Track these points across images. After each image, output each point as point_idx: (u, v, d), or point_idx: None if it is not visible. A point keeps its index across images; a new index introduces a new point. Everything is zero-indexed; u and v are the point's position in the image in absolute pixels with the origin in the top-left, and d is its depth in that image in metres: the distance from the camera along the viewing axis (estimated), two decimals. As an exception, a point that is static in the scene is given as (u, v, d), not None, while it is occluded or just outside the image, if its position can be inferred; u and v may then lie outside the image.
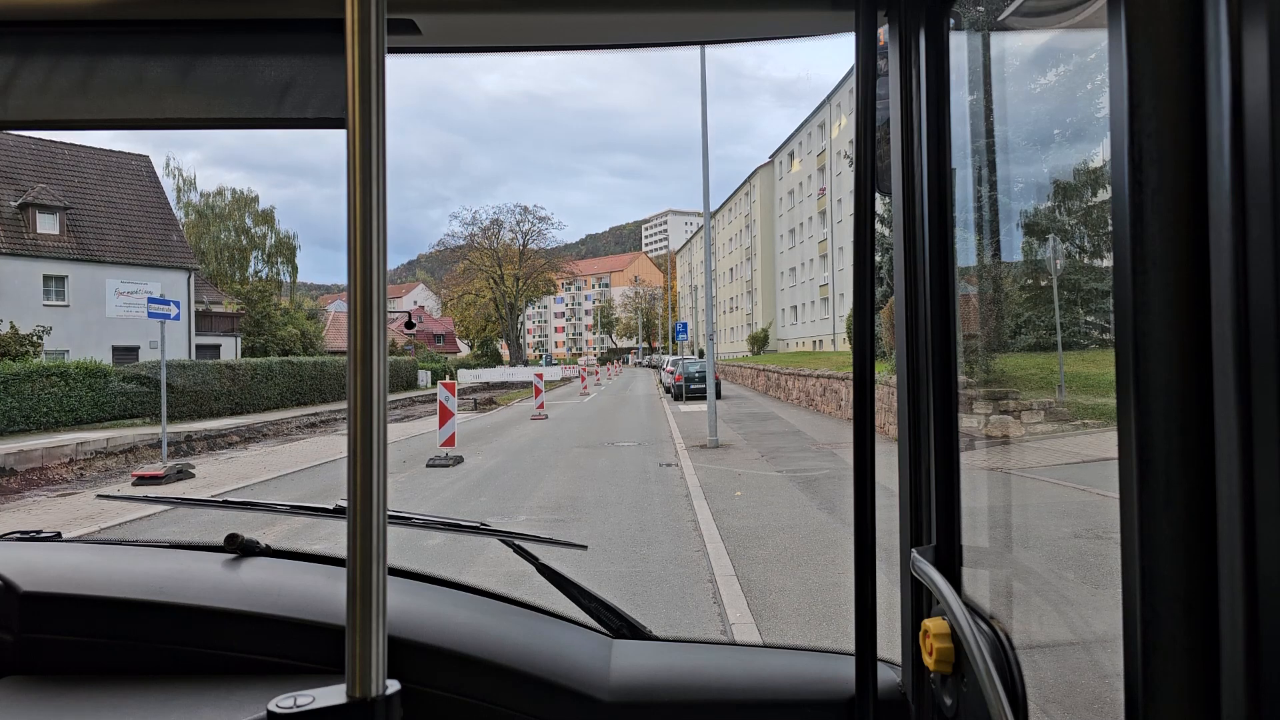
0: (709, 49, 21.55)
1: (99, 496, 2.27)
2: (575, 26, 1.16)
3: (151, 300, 14.93)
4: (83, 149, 33.95)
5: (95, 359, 24.03)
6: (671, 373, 32.94)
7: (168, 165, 62.10)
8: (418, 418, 23.84)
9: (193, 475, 11.96)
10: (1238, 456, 0.52)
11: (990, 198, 1.35)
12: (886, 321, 1.56)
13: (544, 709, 1.21)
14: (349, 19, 0.82)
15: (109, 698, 1.17)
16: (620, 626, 1.43)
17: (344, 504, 1.18)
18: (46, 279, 29.77)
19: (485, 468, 12.36)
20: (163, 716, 1.10)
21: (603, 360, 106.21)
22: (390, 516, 1.41)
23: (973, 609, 0.99)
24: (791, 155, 62.26)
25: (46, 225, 30.15)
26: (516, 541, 1.56)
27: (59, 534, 1.63)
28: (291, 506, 1.64)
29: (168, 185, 43.92)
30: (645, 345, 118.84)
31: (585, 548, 1.89)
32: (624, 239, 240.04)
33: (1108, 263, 0.84)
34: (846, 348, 35.03)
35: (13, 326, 23.45)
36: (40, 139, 32.43)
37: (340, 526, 1.42)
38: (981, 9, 1.16)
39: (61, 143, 33.20)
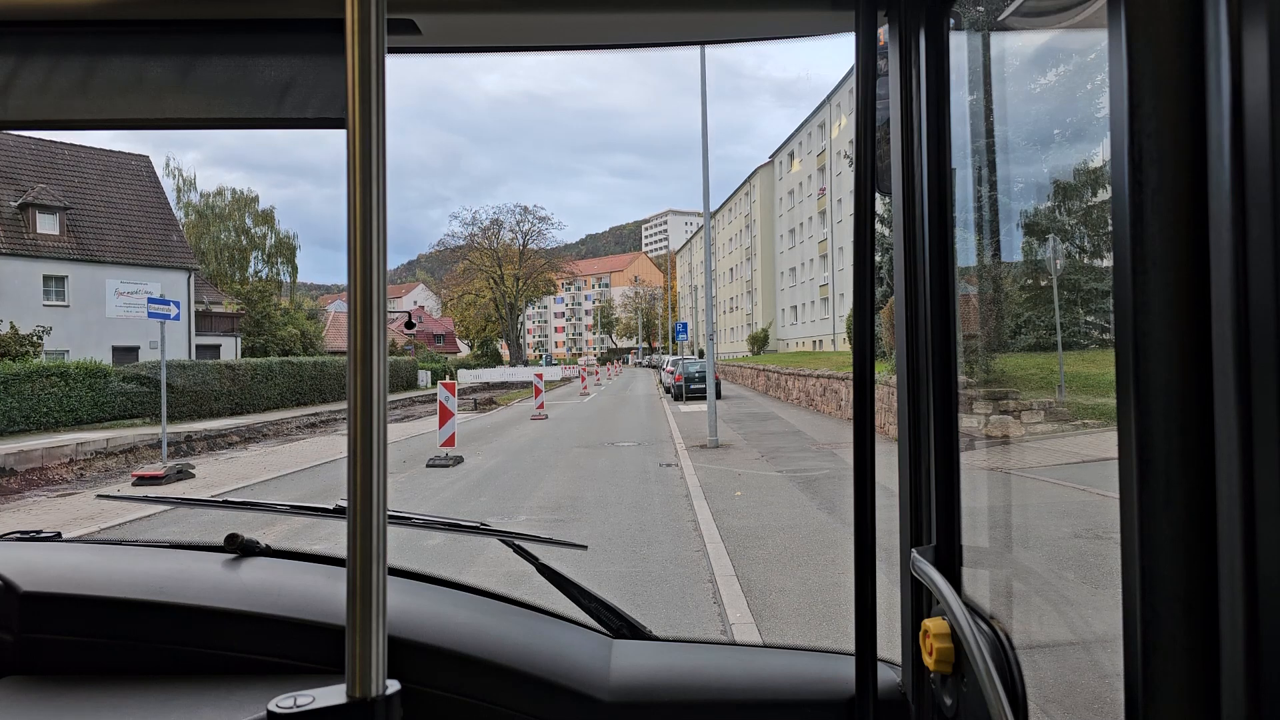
0: (709, 49, 21.55)
1: (99, 496, 2.27)
2: (575, 26, 1.16)
3: (151, 300, 14.93)
4: (83, 149, 33.96)
5: (95, 359, 24.03)
6: (671, 373, 32.94)
7: (168, 165, 62.18)
8: (418, 418, 23.84)
9: (193, 475, 11.96)
10: (1238, 456, 0.52)
11: (990, 198, 1.35)
12: (886, 321, 1.56)
13: (544, 709, 1.21)
14: (349, 19, 0.82)
15: (109, 698, 1.17)
16: (620, 626, 1.43)
17: (344, 504, 1.18)
18: (46, 279, 29.77)
19: (485, 468, 12.36)
20: (163, 716, 1.10)
21: (603, 360, 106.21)
22: (390, 516, 1.41)
23: (973, 609, 0.99)
24: (791, 155, 62.26)
25: (46, 225, 30.15)
26: (516, 541, 1.56)
27: (59, 534, 1.63)
28: (291, 506, 1.64)
29: (168, 185, 43.98)
30: (645, 345, 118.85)
31: (585, 548, 1.89)
32: (624, 239, 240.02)
33: (1108, 263, 0.84)
34: (846, 348, 35.03)
35: (13, 326, 23.46)
36: (40, 139, 32.43)
37: (340, 526, 1.42)
38: (981, 9, 1.16)
39: (61, 143, 33.21)
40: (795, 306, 60.68)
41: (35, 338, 23.73)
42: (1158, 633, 0.57)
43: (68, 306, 30.06)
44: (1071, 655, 1.20)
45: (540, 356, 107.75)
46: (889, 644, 1.12)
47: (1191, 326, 0.56)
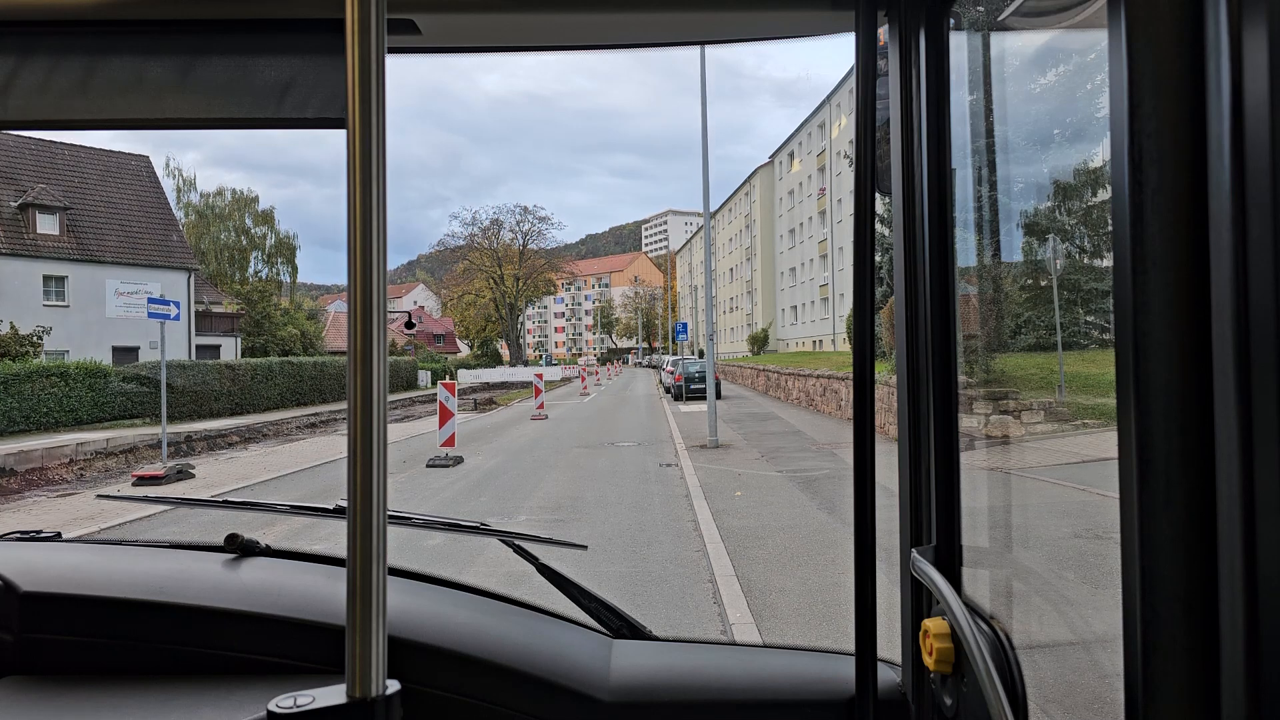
0: (709, 49, 21.54)
1: (99, 497, 2.26)
2: (575, 26, 1.16)
3: (151, 300, 14.93)
4: (83, 149, 33.96)
5: (95, 359, 24.04)
6: (671, 373, 32.94)
7: (168, 165, 62.16)
8: (418, 418, 23.84)
9: (193, 475, 11.96)
10: (1238, 456, 0.52)
11: (990, 198, 1.35)
12: (886, 321, 1.56)
13: (544, 709, 1.21)
14: (349, 19, 0.82)
15: (109, 698, 1.17)
16: (620, 626, 1.43)
17: (344, 504, 1.18)
18: (46, 279, 29.77)
19: (485, 468, 12.36)
20: (163, 716, 1.10)
21: (603, 360, 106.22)
22: (390, 516, 1.41)
23: (973, 609, 0.99)
24: (791, 155, 62.26)
25: (46, 225, 30.15)
26: (516, 541, 1.56)
27: (59, 534, 1.63)
28: (291, 506, 1.64)
29: (168, 185, 43.99)
30: (645, 345, 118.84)
31: (585, 548, 1.89)
32: (624, 239, 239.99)
33: (1108, 263, 0.84)
34: (846, 348, 35.02)
35: (13, 327, 23.46)
36: (40, 139, 32.43)
37: (340, 526, 1.42)
38: (981, 9, 1.16)
39: (61, 143, 33.21)
40: (795, 306, 60.68)
41: (35, 338, 23.73)
42: (1158, 633, 0.57)
43: (68, 307, 30.06)
44: (1071, 655, 1.19)
45: (540, 356, 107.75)
46: (889, 644, 1.11)
47: (1191, 326, 0.56)
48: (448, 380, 14.82)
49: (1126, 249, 0.58)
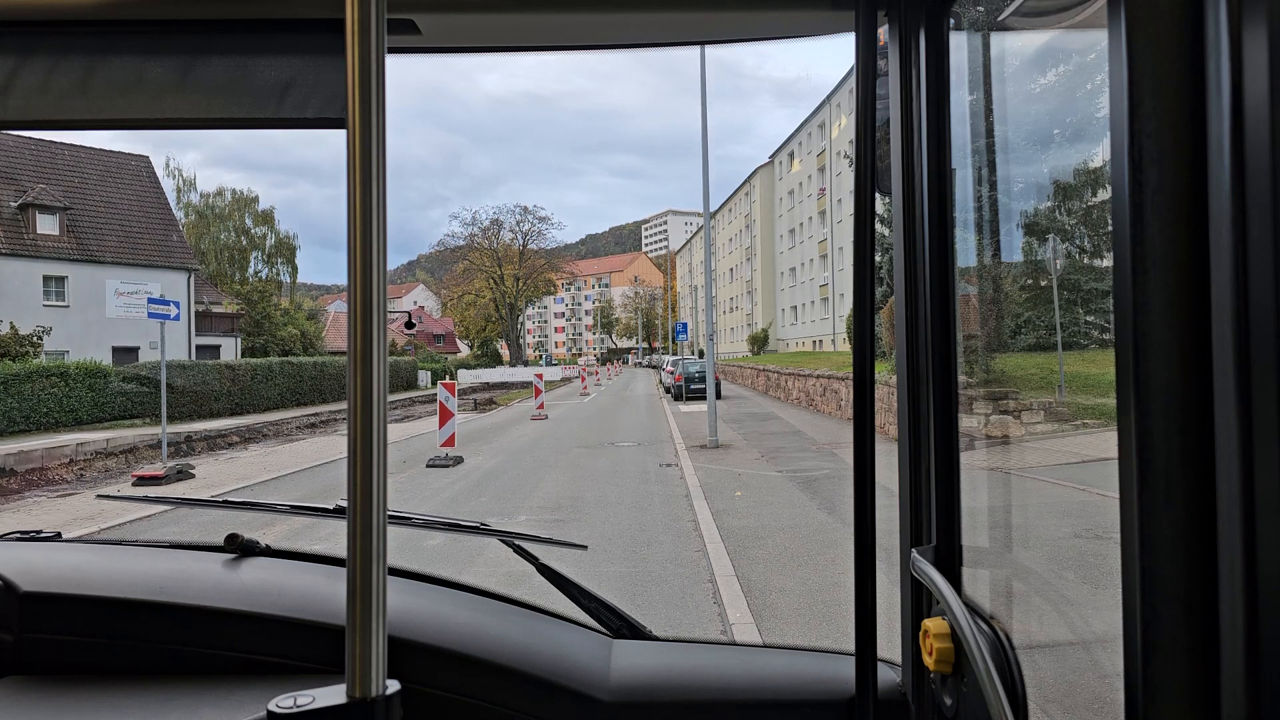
0: (709, 49, 21.55)
1: (99, 497, 2.26)
2: (575, 26, 1.16)
3: (151, 301, 14.94)
4: (83, 149, 33.96)
5: (95, 359, 24.03)
6: (671, 373, 32.94)
7: (168, 165, 62.12)
8: (418, 418, 23.84)
9: (193, 475, 11.96)
10: (1238, 456, 0.52)
11: (990, 198, 1.35)
12: (886, 321, 1.56)
13: (544, 709, 1.21)
14: (349, 19, 0.82)
15: (109, 698, 1.17)
16: (620, 626, 1.43)
17: (344, 504, 1.18)
18: (46, 279, 29.77)
19: (485, 468, 12.36)
20: (163, 716, 1.10)
21: (603, 360, 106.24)
22: (390, 516, 1.41)
23: (973, 609, 0.99)
24: (791, 155, 62.27)
25: (46, 225, 30.15)
26: (516, 541, 1.56)
27: (59, 534, 1.63)
28: (291, 506, 1.64)
29: (168, 185, 43.98)
30: (645, 345, 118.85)
31: (585, 548, 1.89)
32: (624, 239, 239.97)
33: (1108, 263, 0.84)
34: (846, 348, 35.03)
35: (13, 327, 23.45)
36: (40, 139, 32.43)
37: (340, 526, 1.42)
38: (981, 9, 1.16)
39: (61, 143, 33.21)
40: (795, 306, 60.69)
41: (35, 338, 23.73)
42: (1158, 633, 0.57)
43: (68, 307, 30.06)
44: (1071, 655, 1.19)
45: (540, 357, 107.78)
46: (889, 644, 1.11)
47: (1191, 326, 0.56)
48: (448, 380, 14.82)
49: (1126, 249, 0.58)
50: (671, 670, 1.30)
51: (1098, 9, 0.62)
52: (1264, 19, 0.49)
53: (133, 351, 30.27)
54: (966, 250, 1.21)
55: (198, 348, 33.37)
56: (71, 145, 33.58)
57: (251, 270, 50.37)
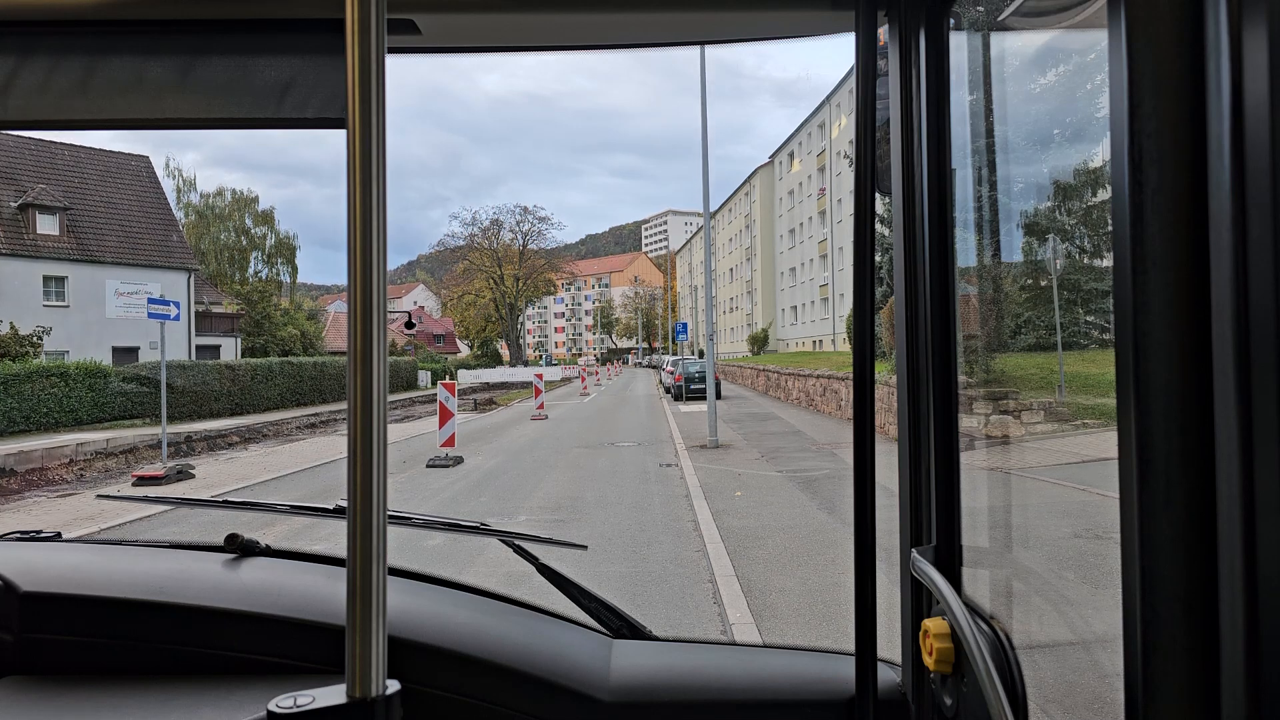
0: (709, 49, 21.54)
1: (99, 497, 2.26)
2: (575, 26, 1.16)
3: (151, 301, 14.95)
4: (83, 149, 33.96)
5: (95, 359, 24.03)
6: (671, 373, 32.94)
7: (168, 166, 62.05)
8: (418, 418, 23.84)
9: (193, 476, 11.96)
10: (1238, 456, 0.52)
11: (990, 198, 1.35)
12: (886, 321, 1.56)
13: (544, 709, 1.21)
14: (349, 19, 0.82)
15: (109, 698, 1.17)
16: (620, 626, 1.43)
17: (344, 504, 1.18)
18: (46, 279, 29.76)
19: (485, 468, 12.36)
20: (163, 716, 1.10)
21: (603, 360, 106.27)
22: (390, 516, 1.41)
23: (973, 609, 0.99)
24: (791, 155, 62.27)
25: (46, 226, 30.15)
26: (516, 541, 1.56)
27: (59, 534, 1.63)
28: (291, 506, 1.64)
29: (168, 186, 43.98)
30: (645, 345, 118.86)
31: (585, 548, 1.89)
32: (624, 239, 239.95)
33: (1108, 263, 0.84)
34: (846, 348, 35.03)
35: (13, 327, 23.45)
36: (40, 139, 32.43)
37: (340, 526, 1.42)
38: (981, 9, 1.16)
39: (61, 143, 33.21)
40: (795, 306, 60.69)
41: (35, 338, 23.73)
42: (1158, 633, 0.57)
43: (68, 307, 30.06)
44: (1071, 655, 1.20)
45: (540, 357, 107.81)
46: (889, 644, 1.11)
47: (1191, 326, 0.56)
48: (448, 380, 14.82)
49: (1126, 249, 0.58)
50: (671, 670, 1.30)
51: (1098, 9, 0.62)
52: (1264, 19, 0.49)
53: (133, 351, 30.27)
54: (966, 250, 1.21)
55: (198, 348, 33.37)
56: (71, 145, 33.59)
57: (251, 270, 50.40)
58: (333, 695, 0.82)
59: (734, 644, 1.45)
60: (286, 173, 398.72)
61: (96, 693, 1.18)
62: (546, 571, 1.50)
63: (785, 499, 9.27)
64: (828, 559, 6.55)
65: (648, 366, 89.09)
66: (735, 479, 10.78)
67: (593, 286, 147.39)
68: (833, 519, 8.02)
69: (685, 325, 34.73)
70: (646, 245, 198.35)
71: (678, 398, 29.61)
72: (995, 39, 1.17)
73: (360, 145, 0.82)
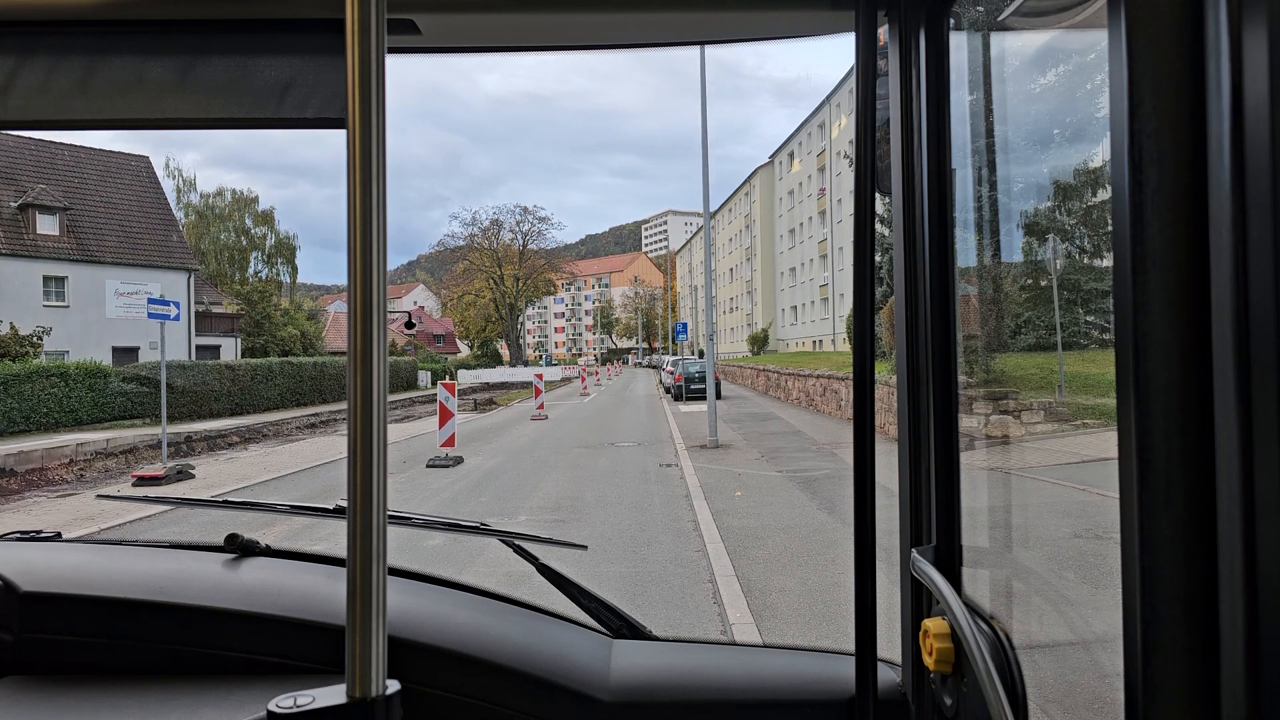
0: (709, 49, 21.55)
1: (99, 497, 2.27)
2: (575, 26, 1.16)
3: (151, 301, 14.95)
4: (83, 149, 33.96)
5: (95, 359, 24.03)
6: (671, 373, 32.94)
7: (168, 166, 61.97)
8: (418, 418, 23.83)
9: (193, 476, 11.96)
10: (1238, 456, 0.52)
11: (990, 198, 1.35)
12: (886, 321, 1.56)
13: (544, 709, 1.21)
14: (349, 19, 0.82)
15: (109, 698, 1.17)
16: (620, 626, 1.43)
17: (344, 504, 1.18)
18: (46, 279, 29.76)
19: (485, 468, 12.36)
20: (163, 716, 1.10)
21: (603, 360, 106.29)
22: (390, 516, 1.41)
23: (973, 609, 0.99)
24: (791, 155, 62.27)
25: (46, 226, 30.15)
26: (516, 541, 1.56)
27: (59, 534, 1.63)
28: (291, 506, 1.64)
29: (168, 186, 43.99)
30: (645, 345, 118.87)
31: (585, 548, 1.89)
32: (624, 239, 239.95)
33: (1108, 263, 0.84)
34: (846, 348, 35.03)
35: (13, 327, 23.45)
36: (40, 139, 32.43)
37: (340, 526, 1.42)
38: (981, 9, 1.16)
39: (61, 143, 33.21)
40: (795, 306, 60.70)
41: (35, 338, 23.73)
42: (1158, 633, 0.57)
43: (68, 307, 30.06)
44: (1071, 655, 1.20)
45: (540, 357, 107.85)
46: (889, 644, 1.11)
47: (1191, 326, 0.56)
48: (448, 380, 14.82)
49: (1126, 249, 0.58)
50: (671, 670, 1.30)
51: (1098, 9, 0.62)
52: (1264, 19, 0.49)
53: (133, 352, 30.27)
54: (966, 250, 1.21)
55: (198, 348, 33.37)
56: (71, 145, 33.58)
57: (251, 270, 50.42)
58: (333, 695, 0.82)
59: (734, 644, 1.45)
60: (286, 173, 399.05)
61: (96, 693, 1.18)
62: (546, 571, 1.50)
63: (785, 499, 9.27)
64: (828, 559, 6.55)
65: (648, 366, 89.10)
66: (735, 479, 10.78)
67: (593, 286, 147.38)
68: (833, 519, 8.02)
69: (685, 325, 34.73)
70: (646, 245, 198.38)
71: (678, 398, 29.61)
72: (995, 39, 1.17)
73: (360, 145, 0.82)
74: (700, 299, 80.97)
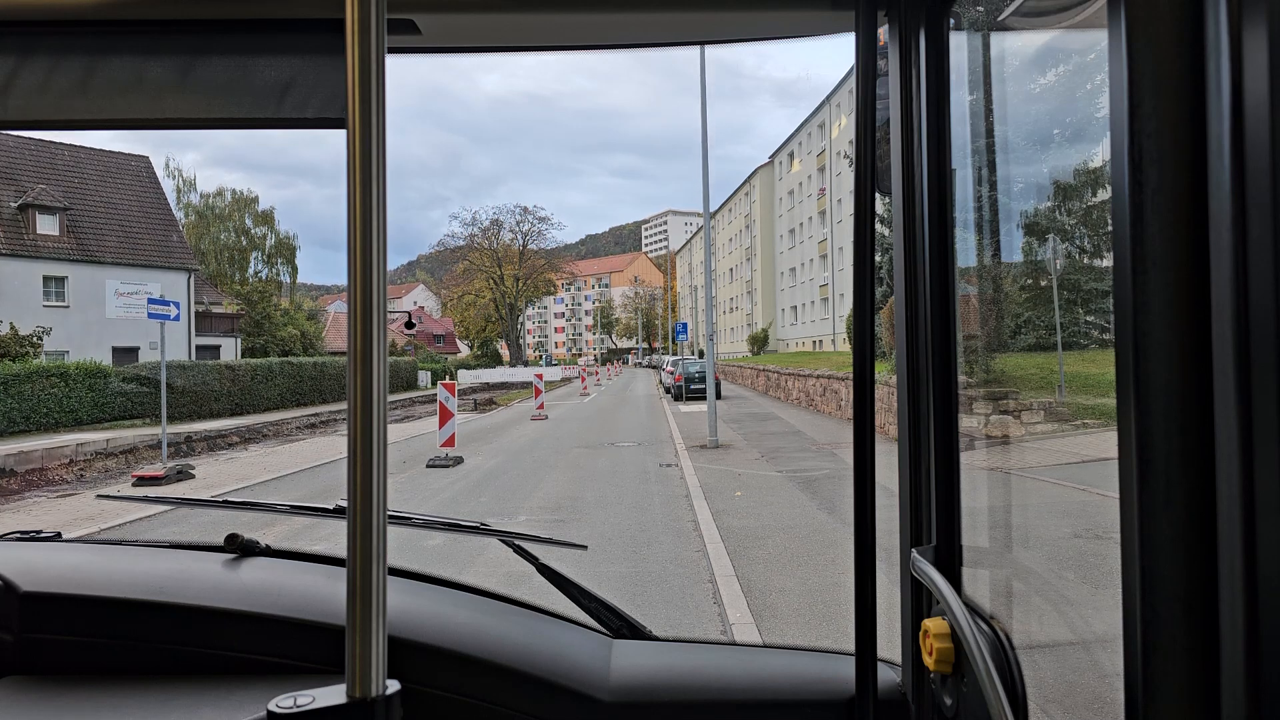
0: (709, 49, 21.54)
1: (99, 497, 2.27)
2: (575, 26, 1.17)
3: (151, 301, 14.95)
4: (83, 149, 33.95)
5: (95, 360, 24.02)
6: (671, 373, 32.94)
7: (168, 166, 61.92)
8: (418, 418, 23.83)
9: (193, 476, 11.96)
10: (1238, 456, 0.52)
11: (990, 198, 1.35)
12: (886, 321, 1.56)
13: (544, 709, 1.21)
14: (349, 19, 0.82)
15: (109, 698, 1.17)
16: (620, 626, 1.43)
17: (344, 504, 1.18)
18: (46, 280, 29.76)
19: (485, 468, 12.36)
20: (163, 716, 1.10)
21: (603, 361, 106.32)
22: (390, 516, 1.41)
23: (973, 609, 0.99)
24: (791, 155, 62.28)
25: (46, 226, 30.15)
26: (516, 541, 1.56)
27: (59, 534, 1.63)
28: (291, 506, 1.64)
29: (168, 186, 43.99)
30: (645, 346, 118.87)
31: (585, 548, 1.89)
32: (624, 239, 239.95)
33: (1108, 263, 0.84)
34: (846, 348, 35.04)
35: (13, 327, 23.45)
36: (40, 139, 32.43)
37: (340, 526, 1.42)
38: (981, 9, 1.16)
39: (61, 143, 33.21)
40: (795, 307, 60.70)
41: (35, 338, 23.72)
42: (1158, 633, 0.57)
43: (68, 307, 30.05)
44: (1071, 655, 1.20)
45: (540, 357, 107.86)
46: (889, 644, 1.11)
47: (1191, 326, 0.56)
48: (448, 380, 14.82)
49: (1126, 249, 0.58)
50: (671, 670, 1.30)
51: (1098, 9, 0.62)
52: (1264, 19, 0.49)
53: (133, 352, 30.26)
54: (966, 250, 1.21)
55: (198, 348, 33.37)
56: (71, 145, 33.58)
57: (251, 270, 50.43)
58: (333, 695, 0.82)
59: (734, 644, 1.45)
60: (286, 173, 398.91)
61: (96, 693, 1.18)
62: (546, 571, 1.50)
63: (785, 499, 9.27)
64: (828, 559, 6.55)
65: (648, 367, 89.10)
66: (735, 479, 10.78)
67: (593, 287, 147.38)
68: (833, 519, 8.02)
69: (685, 325, 34.73)
70: (646, 245, 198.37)
71: (678, 398, 29.61)
72: (995, 39, 1.17)
73: (360, 145, 0.82)
74: (700, 299, 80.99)
